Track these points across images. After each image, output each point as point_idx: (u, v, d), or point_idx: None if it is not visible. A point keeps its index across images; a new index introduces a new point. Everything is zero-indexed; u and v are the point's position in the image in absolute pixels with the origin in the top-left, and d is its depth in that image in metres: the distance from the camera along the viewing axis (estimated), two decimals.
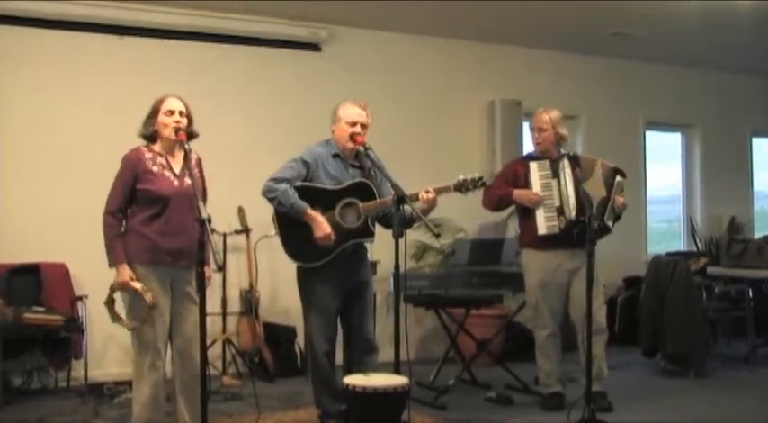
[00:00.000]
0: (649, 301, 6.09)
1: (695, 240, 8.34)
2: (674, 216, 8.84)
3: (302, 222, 4.05)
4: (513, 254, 5.51)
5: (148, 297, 3.61)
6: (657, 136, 8.53)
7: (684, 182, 8.71)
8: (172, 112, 3.77)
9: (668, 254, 7.03)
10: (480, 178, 4.01)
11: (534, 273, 4.84)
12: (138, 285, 3.63)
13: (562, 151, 4.87)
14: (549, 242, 4.69)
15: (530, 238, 4.80)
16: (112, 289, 3.74)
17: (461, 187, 4.00)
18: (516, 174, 4.88)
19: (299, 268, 4.20)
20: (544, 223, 4.71)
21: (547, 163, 4.75)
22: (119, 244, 3.69)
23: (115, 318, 3.79)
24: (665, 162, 8.67)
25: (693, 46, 7.57)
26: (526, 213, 4.82)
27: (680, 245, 8.58)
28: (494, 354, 5.95)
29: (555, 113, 4.84)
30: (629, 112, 8.10)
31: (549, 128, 4.79)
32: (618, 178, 4.77)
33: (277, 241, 4.21)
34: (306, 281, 4.19)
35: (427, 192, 3.98)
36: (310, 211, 4.04)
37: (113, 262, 3.68)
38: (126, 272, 3.65)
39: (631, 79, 8.12)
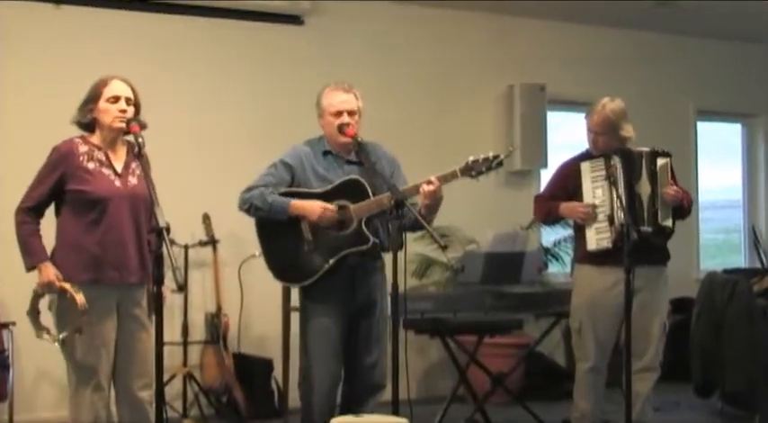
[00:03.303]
0: (703, 329, 6.12)
1: (759, 254, 8.35)
2: (732, 225, 8.88)
3: (288, 235, 4.10)
4: (536, 270, 5.54)
5: (79, 299, 3.61)
6: (712, 128, 8.58)
7: (746, 183, 8.75)
8: (117, 99, 3.78)
9: (726, 271, 7.05)
10: (496, 157, 3.99)
11: (583, 291, 4.87)
12: (66, 285, 3.65)
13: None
14: (604, 257, 4.72)
15: (583, 253, 4.85)
16: (36, 294, 3.74)
17: (472, 170, 3.99)
18: (567, 177, 4.92)
19: (299, 290, 4.26)
20: (594, 236, 4.74)
21: (601, 162, 4.77)
22: (36, 240, 3.72)
23: (40, 330, 3.77)
24: (721, 159, 8.71)
25: (756, 17, 7.60)
26: (580, 224, 4.89)
27: (740, 260, 8.63)
28: (512, 391, 5.98)
29: (616, 108, 4.80)
30: (678, 98, 8.14)
31: (608, 131, 4.78)
32: (659, 162, 4.79)
33: (263, 262, 4.26)
34: (301, 304, 4.25)
35: (429, 182, 3.99)
36: (294, 202, 4.08)
37: (32, 261, 3.70)
38: (50, 270, 3.67)
39: (680, 59, 8.16)
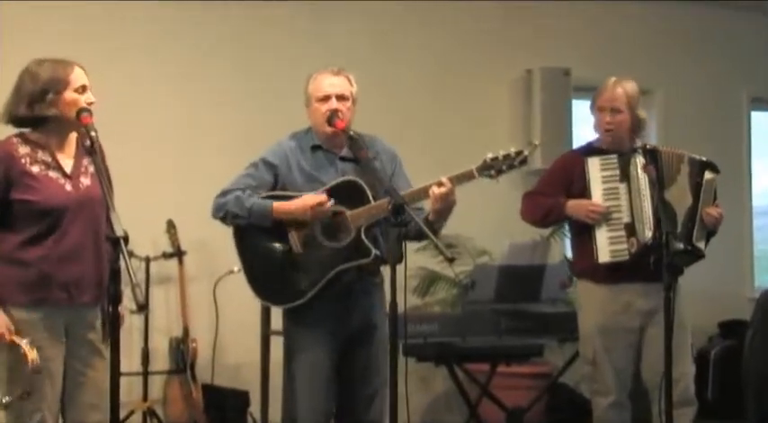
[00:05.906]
0: (758, 356, 6.13)
1: None
2: None
3: (273, 246, 4.13)
4: (559, 286, 5.56)
5: (31, 356, 3.59)
6: None
7: None
8: (85, 89, 3.78)
9: None
10: (519, 153, 3.99)
11: (592, 314, 4.86)
12: (21, 341, 3.64)
13: (638, 143, 4.89)
14: (614, 272, 4.73)
15: (587, 266, 4.84)
16: None
17: (491, 169, 3.99)
18: (571, 173, 4.92)
19: (283, 312, 4.28)
20: (607, 246, 4.73)
21: (614, 158, 4.79)
22: None
23: None
24: None
25: None
26: (582, 231, 4.85)
27: None
28: None
29: (631, 86, 4.83)
30: (727, 84, 8.18)
31: (625, 108, 4.79)
32: (707, 175, 4.80)
33: (239, 277, 4.28)
34: (287, 328, 4.25)
35: (440, 184, 3.98)
36: (277, 204, 4.08)
37: None
38: (2, 320, 3.66)
39: (730, 37, 8.20)
